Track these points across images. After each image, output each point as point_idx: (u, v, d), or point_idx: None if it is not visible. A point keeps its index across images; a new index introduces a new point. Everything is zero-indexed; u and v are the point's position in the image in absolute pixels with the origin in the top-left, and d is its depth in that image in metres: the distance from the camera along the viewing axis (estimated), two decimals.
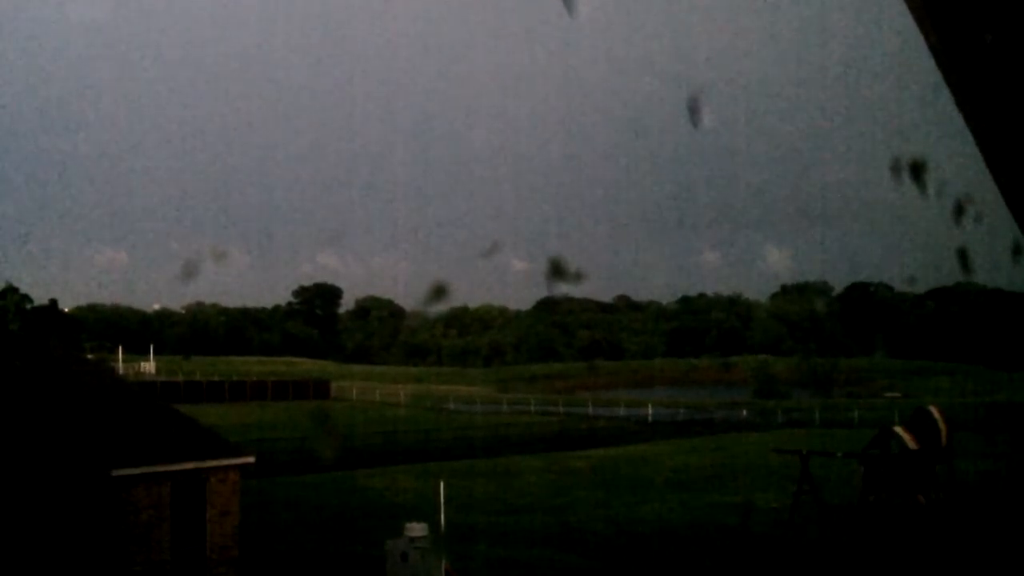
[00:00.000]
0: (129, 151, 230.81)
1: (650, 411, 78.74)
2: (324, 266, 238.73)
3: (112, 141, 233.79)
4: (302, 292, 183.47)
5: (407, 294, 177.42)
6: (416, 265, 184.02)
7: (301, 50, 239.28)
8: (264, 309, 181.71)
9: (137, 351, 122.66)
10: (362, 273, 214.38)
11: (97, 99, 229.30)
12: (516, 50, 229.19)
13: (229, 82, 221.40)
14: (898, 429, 32.90)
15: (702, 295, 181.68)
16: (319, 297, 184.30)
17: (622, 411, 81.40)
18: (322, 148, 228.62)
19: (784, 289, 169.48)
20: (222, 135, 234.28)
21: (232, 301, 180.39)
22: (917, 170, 2.96)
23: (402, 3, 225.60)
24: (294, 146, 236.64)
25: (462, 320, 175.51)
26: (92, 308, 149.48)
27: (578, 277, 4.75)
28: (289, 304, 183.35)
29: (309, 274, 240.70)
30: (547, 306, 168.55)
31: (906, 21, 2.28)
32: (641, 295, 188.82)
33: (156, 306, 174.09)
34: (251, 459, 27.67)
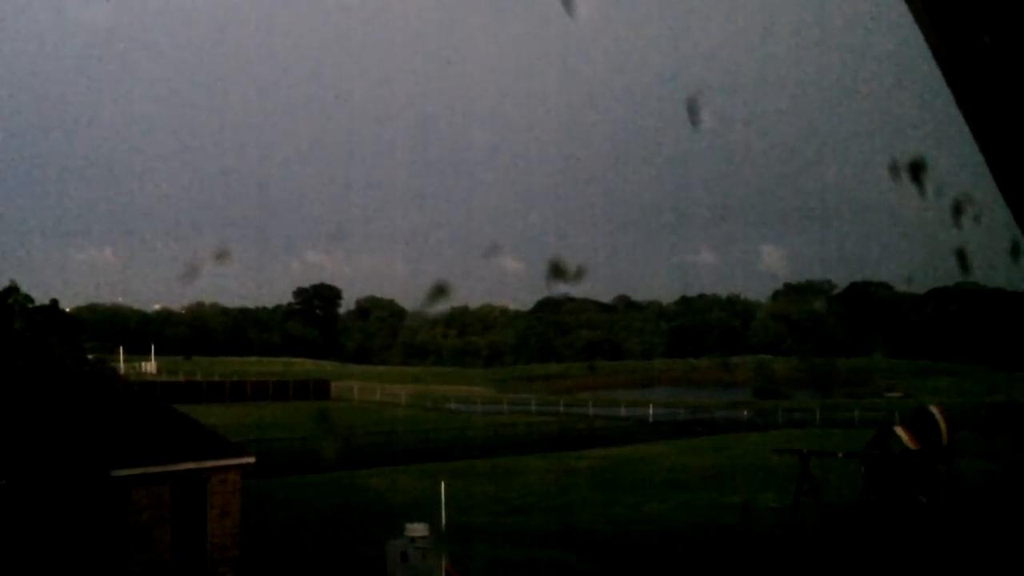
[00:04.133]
0: (129, 151, 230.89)
1: (651, 411, 78.74)
2: (324, 266, 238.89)
3: (112, 141, 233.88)
4: (302, 292, 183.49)
5: (407, 294, 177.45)
6: (416, 265, 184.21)
7: (301, 50, 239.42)
8: (264, 309, 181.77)
9: (138, 351, 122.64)
10: (362, 273, 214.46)
11: (97, 99, 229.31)
12: (515, 50, 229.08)
13: (229, 82, 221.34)
14: (898, 429, 32.86)
15: (702, 295, 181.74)
16: (319, 297, 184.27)
17: (622, 411, 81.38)
18: (322, 148, 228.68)
19: (785, 288, 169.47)
20: (222, 135, 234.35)
21: (232, 301, 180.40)
22: (916, 170, 2.97)
23: (402, 3, 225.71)
24: (294, 146, 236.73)
25: (462, 320, 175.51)
26: (92, 308, 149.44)
27: (579, 275, 4.76)
28: (289, 304, 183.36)
29: (309, 274, 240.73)
30: (547, 306, 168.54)
31: (905, 21, 2.29)
32: (641, 295, 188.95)
33: (156, 306, 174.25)
34: (251, 459, 27.69)
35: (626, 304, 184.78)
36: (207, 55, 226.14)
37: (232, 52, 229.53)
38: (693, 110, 3.98)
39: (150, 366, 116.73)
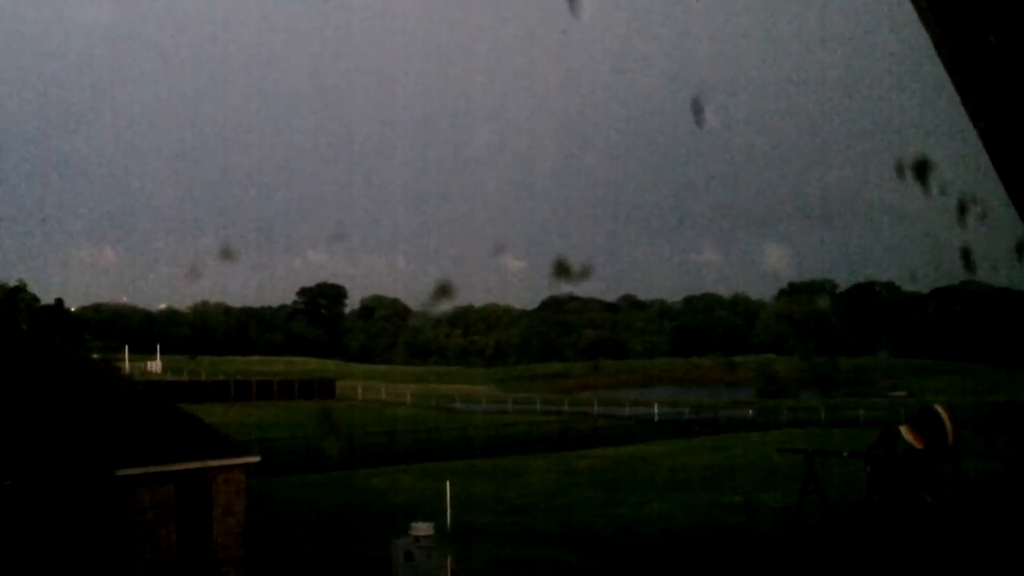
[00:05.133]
0: (132, 150, 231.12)
1: (655, 411, 78.69)
2: (328, 266, 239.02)
3: (115, 140, 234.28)
4: (306, 292, 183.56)
5: (412, 294, 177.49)
6: (421, 265, 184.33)
7: (302, 50, 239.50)
8: (269, 309, 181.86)
9: (142, 351, 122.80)
10: (367, 272, 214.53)
11: (98, 99, 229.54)
12: (517, 50, 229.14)
13: (231, 82, 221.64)
14: (903, 428, 32.79)
15: (706, 294, 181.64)
16: (324, 297, 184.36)
17: (626, 411, 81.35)
18: (326, 147, 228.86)
19: (790, 288, 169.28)
20: (224, 134, 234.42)
21: (237, 301, 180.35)
22: (920, 169, 2.98)
23: (402, 3, 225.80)
24: (298, 146, 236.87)
25: (467, 319, 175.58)
26: (96, 308, 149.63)
27: (584, 274, 4.76)
28: (294, 304, 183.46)
29: (313, 274, 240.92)
30: (552, 305, 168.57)
31: (908, 19, 2.29)
32: (645, 294, 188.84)
33: (161, 305, 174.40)
34: (256, 458, 27.71)
35: (631, 303, 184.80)
36: (208, 55, 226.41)
37: (234, 52, 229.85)
38: (697, 110, 3.98)
39: (155, 365, 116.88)
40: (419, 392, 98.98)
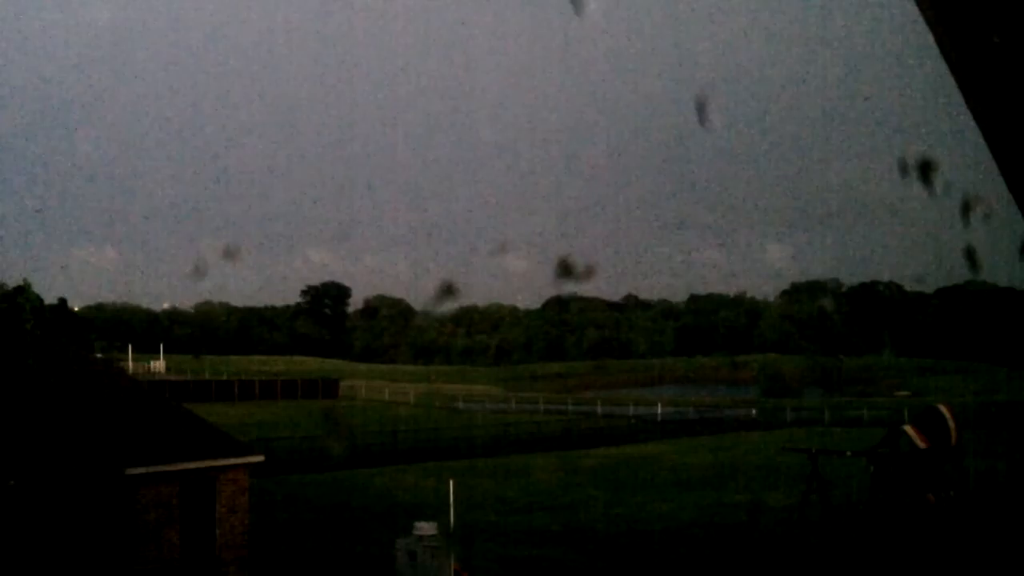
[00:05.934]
0: (134, 150, 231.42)
1: (659, 410, 78.67)
2: (332, 265, 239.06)
3: (117, 140, 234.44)
4: (310, 291, 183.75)
5: (416, 293, 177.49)
6: (424, 264, 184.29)
7: (303, 50, 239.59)
8: (273, 308, 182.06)
9: (146, 350, 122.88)
10: (371, 272, 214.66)
11: (100, 99, 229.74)
12: (519, 49, 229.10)
13: (233, 80, 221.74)
14: (907, 427, 32.73)
15: (710, 294, 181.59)
16: (328, 296, 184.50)
17: (630, 410, 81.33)
18: (328, 147, 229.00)
19: (793, 287, 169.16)
20: (226, 134, 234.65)
21: (241, 300, 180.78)
22: (924, 169, 2.98)
23: (402, 3, 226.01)
24: (301, 145, 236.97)
25: (471, 319, 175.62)
26: (99, 308, 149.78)
27: (588, 274, 4.78)
28: (298, 303, 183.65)
29: (317, 273, 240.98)
30: (555, 305, 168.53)
31: (911, 19, 2.30)
32: (649, 294, 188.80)
33: (165, 305, 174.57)
34: (260, 458, 27.75)
35: (635, 303, 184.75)
36: (208, 55, 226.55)
37: (234, 52, 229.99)
38: (701, 109, 3.99)
39: (159, 365, 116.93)
40: (422, 392, 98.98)
